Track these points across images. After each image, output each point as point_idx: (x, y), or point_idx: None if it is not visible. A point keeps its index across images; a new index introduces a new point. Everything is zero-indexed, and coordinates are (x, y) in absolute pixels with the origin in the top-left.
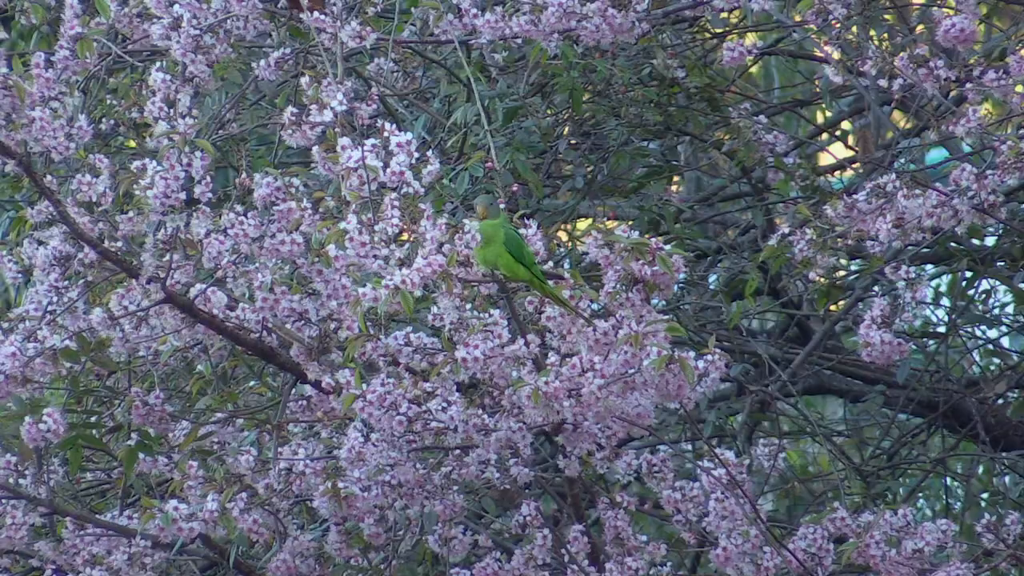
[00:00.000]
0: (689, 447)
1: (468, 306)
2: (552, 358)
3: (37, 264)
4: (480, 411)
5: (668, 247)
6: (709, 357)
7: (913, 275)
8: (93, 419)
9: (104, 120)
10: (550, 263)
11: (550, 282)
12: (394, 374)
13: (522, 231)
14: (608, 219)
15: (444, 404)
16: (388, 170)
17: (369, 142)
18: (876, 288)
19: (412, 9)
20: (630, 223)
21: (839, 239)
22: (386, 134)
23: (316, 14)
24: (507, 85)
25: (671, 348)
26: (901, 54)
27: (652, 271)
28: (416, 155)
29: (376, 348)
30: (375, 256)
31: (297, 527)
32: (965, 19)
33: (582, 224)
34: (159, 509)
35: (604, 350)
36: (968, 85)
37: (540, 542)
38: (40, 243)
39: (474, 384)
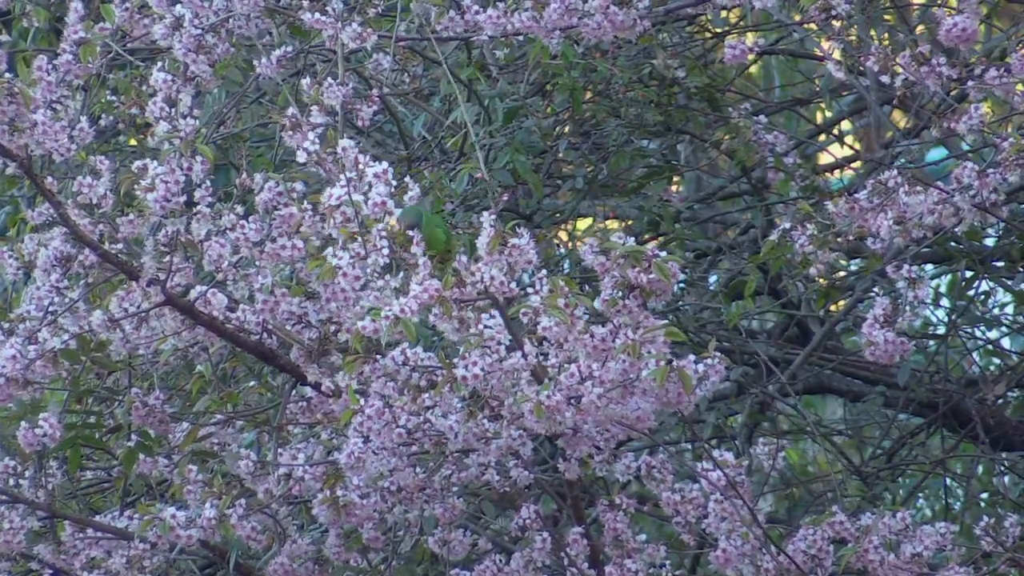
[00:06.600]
0: (688, 447)
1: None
2: (552, 360)
3: (38, 265)
4: (481, 419)
5: (664, 254)
6: (709, 361)
7: (915, 274)
8: (93, 419)
9: (104, 117)
10: (544, 271)
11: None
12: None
13: (514, 241)
14: (608, 219)
15: (443, 414)
16: (370, 202)
17: (344, 176)
18: (876, 289)
19: (411, 5)
20: (630, 222)
21: (838, 238)
22: (361, 166)
23: (316, 15)
24: (508, 83)
25: (670, 355)
26: (903, 52)
27: (648, 279)
28: (394, 183)
29: (375, 370)
30: (369, 289)
31: (296, 528)
32: (967, 19)
33: (582, 224)
34: (157, 517)
35: (602, 356)
36: (970, 83)
37: (539, 545)
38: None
39: (474, 395)
